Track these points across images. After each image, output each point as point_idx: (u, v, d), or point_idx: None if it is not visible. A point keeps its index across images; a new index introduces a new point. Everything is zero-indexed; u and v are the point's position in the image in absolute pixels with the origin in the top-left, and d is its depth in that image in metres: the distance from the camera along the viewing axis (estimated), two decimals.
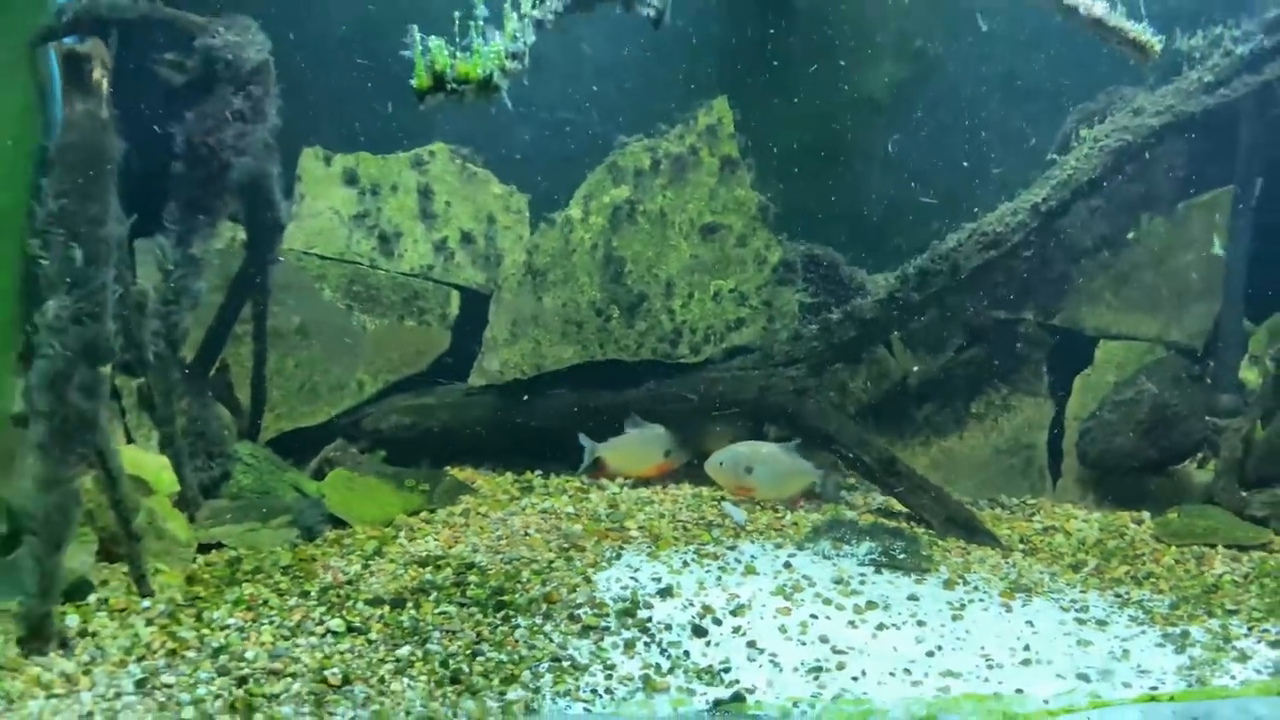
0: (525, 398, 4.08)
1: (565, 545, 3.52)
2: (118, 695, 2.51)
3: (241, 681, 2.58)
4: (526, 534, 3.59)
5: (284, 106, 3.46)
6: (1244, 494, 4.06)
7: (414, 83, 2.20)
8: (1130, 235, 4.07)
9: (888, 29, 3.99)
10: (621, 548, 3.56)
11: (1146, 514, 4.18)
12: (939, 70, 4.05)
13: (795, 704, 2.69)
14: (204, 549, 3.27)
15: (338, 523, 3.57)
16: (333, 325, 4.01)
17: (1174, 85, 3.93)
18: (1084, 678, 2.93)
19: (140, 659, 2.67)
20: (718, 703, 2.68)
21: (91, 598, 2.89)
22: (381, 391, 4.11)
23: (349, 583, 3.13)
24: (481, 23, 2.24)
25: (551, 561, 3.38)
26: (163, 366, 3.32)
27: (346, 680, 2.63)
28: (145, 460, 3.18)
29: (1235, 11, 3.94)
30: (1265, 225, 4.19)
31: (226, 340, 3.76)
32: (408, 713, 2.52)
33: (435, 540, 3.50)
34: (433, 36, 2.18)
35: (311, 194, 3.94)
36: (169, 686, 2.55)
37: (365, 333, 4.05)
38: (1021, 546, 3.81)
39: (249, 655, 2.70)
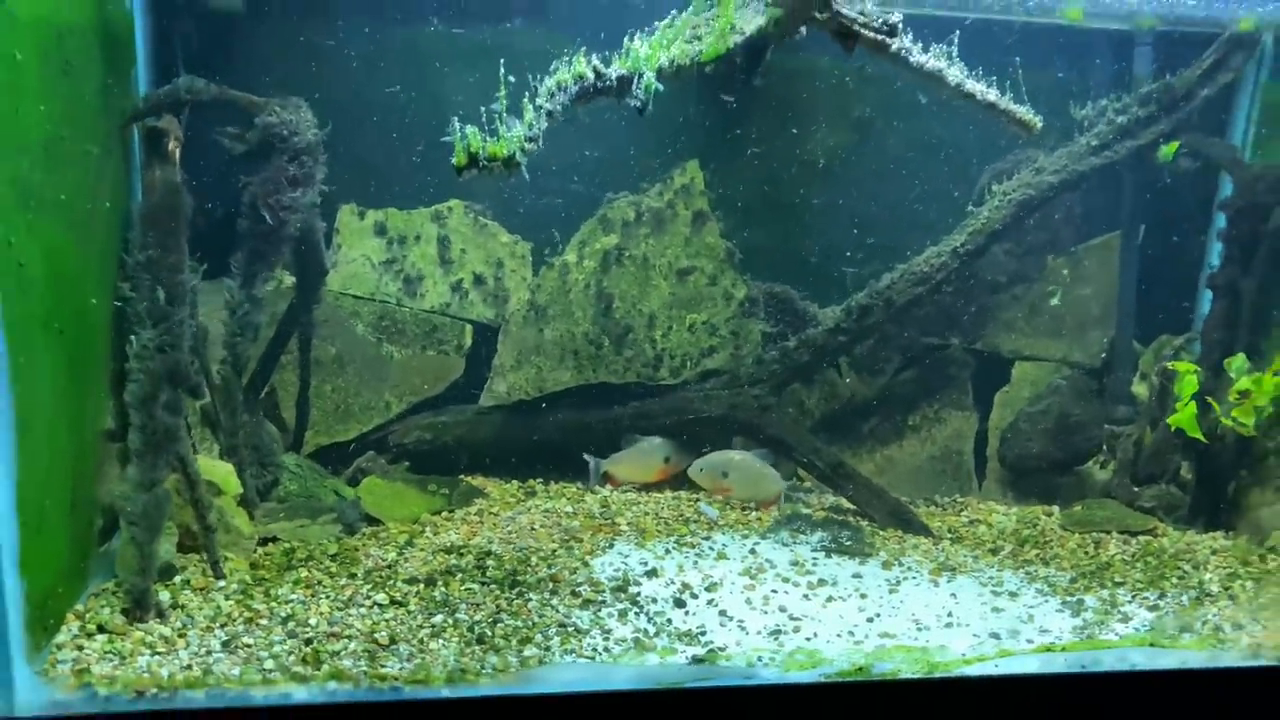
0: (543, 407, 4.32)
1: (566, 538, 3.84)
2: (209, 653, 2.82)
3: (308, 642, 2.91)
4: (533, 529, 3.91)
5: (327, 171, 3.70)
6: (1135, 489, 4.35)
7: (454, 161, 2.64)
8: (1054, 301, 4.40)
9: (832, 102, 4.26)
10: (613, 539, 3.88)
11: (1055, 507, 4.46)
12: (875, 136, 4.32)
13: (759, 657, 3.03)
14: (262, 542, 3.58)
15: (372, 520, 3.86)
16: (364, 355, 4.25)
17: (1068, 148, 4.25)
18: (995, 636, 3.28)
19: (223, 625, 2.97)
20: (696, 658, 3.02)
21: (176, 579, 3.22)
22: (405, 411, 4.31)
23: (388, 567, 3.46)
24: (504, 114, 2.70)
25: (555, 550, 3.72)
26: (228, 388, 3.64)
27: (393, 641, 2.96)
28: (215, 467, 3.49)
29: (1116, 87, 4.28)
30: (1148, 263, 4.49)
31: (275, 368, 4.00)
32: (444, 665, 2.86)
33: (456, 534, 3.81)
34: (469, 126, 2.63)
35: (347, 244, 4.19)
36: (249, 646, 2.87)
37: (392, 361, 4.29)
38: (950, 535, 4.13)
39: (312, 622, 3.03)
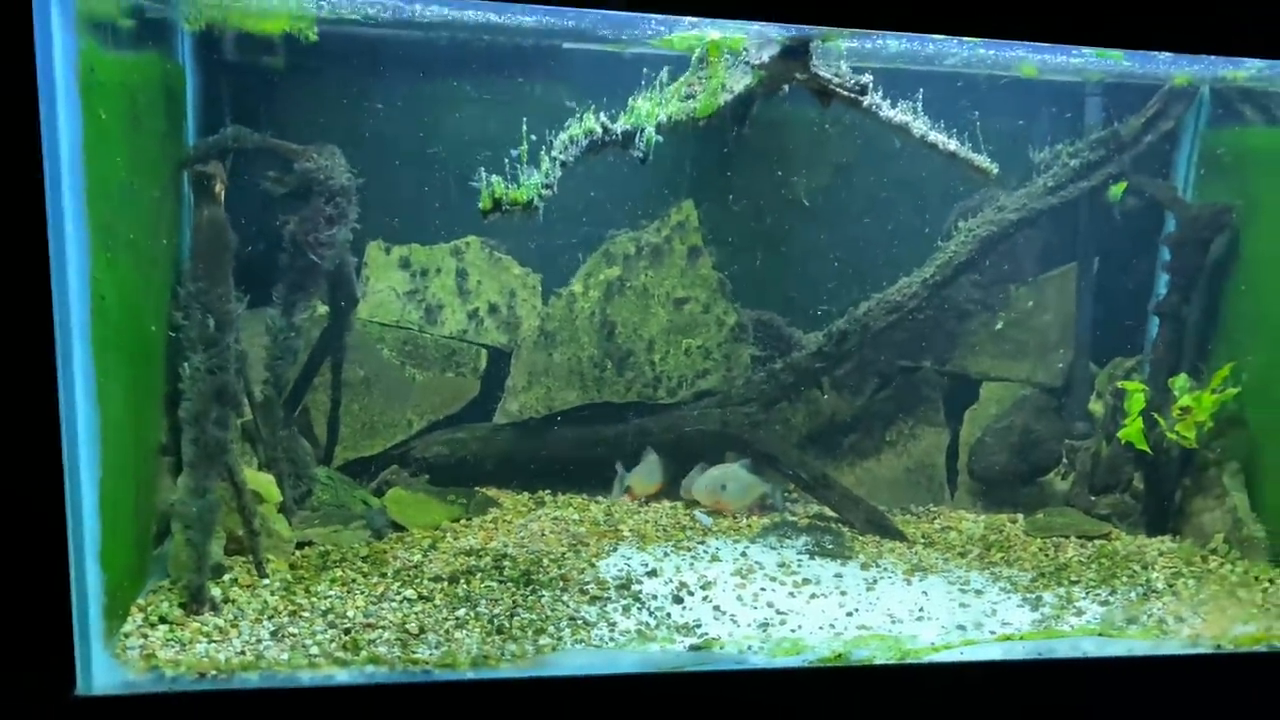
0: (551, 425, 4.53)
1: (574, 542, 4.08)
2: (259, 641, 3.08)
3: (346, 631, 3.16)
4: (544, 535, 4.14)
5: (358, 211, 3.93)
6: (1093, 498, 4.58)
7: (480, 205, 2.94)
8: (998, 327, 4.62)
9: (813, 148, 4.49)
10: (617, 544, 4.11)
11: (1020, 515, 4.68)
12: (853, 178, 4.55)
13: (749, 645, 3.28)
14: (299, 546, 3.81)
15: (398, 527, 4.10)
16: (389, 377, 4.47)
17: (1027, 189, 4.49)
18: (961, 627, 3.52)
19: (270, 617, 3.22)
20: (693, 646, 3.28)
21: (226, 577, 3.47)
22: (426, 428, 4.52)
23: (414, 567, 3.71)
24: (524, 164, 3.01)
25: (564, 553, 3.95)
26: (269, 406, 3.90)
27: (422, 630, 3.20)
28: (258, 477, 3.73)
29: (1070, 133, 4.54)
30: (1101, 292, 4.72)
31: (308, 388, 4.25)
32: (469, 652, 3.11)
33: (474, 539, 4.05)
34: (494, 175, 2.94)
35: (375, 276, 4.42)
36: (295, 634, 3.12)
37: (414, 382, 4.51)
38: (923, 541, 4.36)
39: (349, 614, 3.28)
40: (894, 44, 3.37)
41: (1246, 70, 3.88)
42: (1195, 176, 4.60)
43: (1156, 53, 3.47)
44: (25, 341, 2.51)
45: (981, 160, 3.58)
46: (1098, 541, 4.40)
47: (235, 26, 3.45)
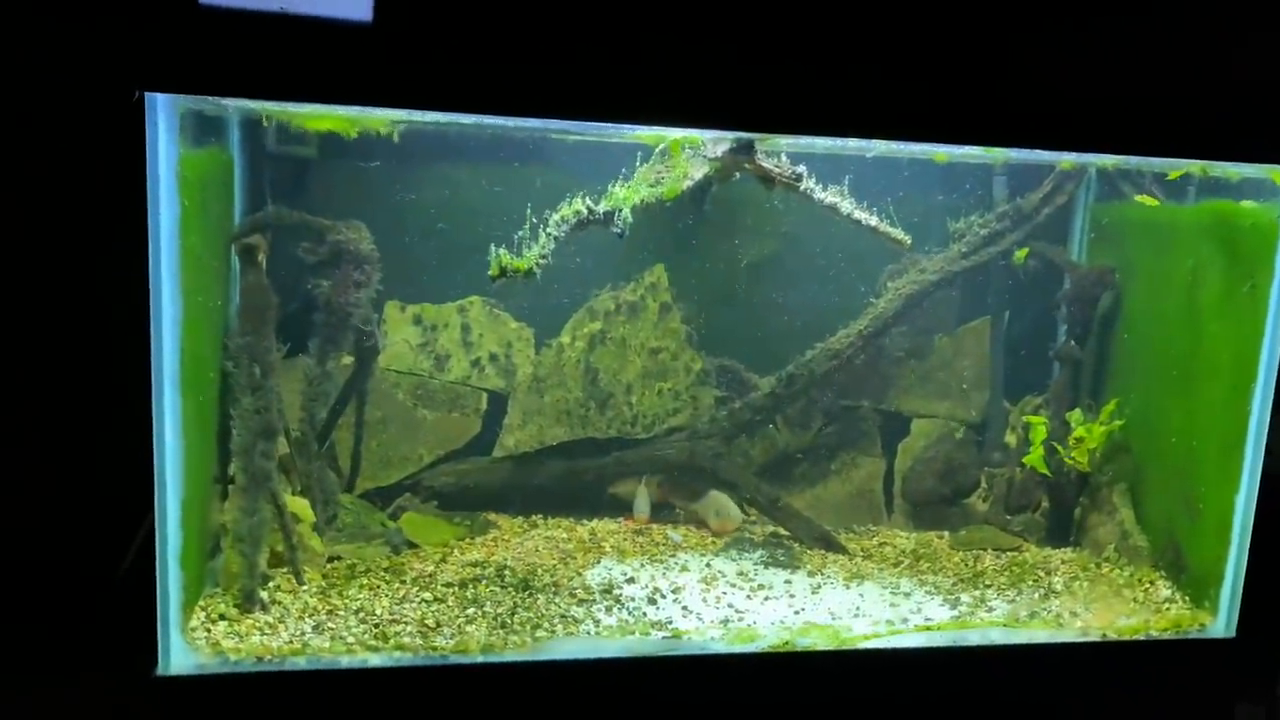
0: (543, 458, 4.90)
1: (563, 556, 4.54)
2: (303, 634, 3.50)
3: (376, 625, 3.61)
4: (537, 550, 4.58)
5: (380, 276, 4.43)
6: (1007, 517, 5.04)
7: (490, 272, 3.50)
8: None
9: (764, 220, 4.93)
10: (600, 558, 4.55)
11: (946, 532, 5.11)
12: (798, 246, 4.98)
13: (711, 635, 3.74)
14: (330, 559, 4.21)
15: (412, 544, 4.51)
16: (403, 417, 4.90)
17: (944, 254, 4.99)
18: (890, 622, 4.05)
19: (311, 615, 3.64)
20: (664, 637, 3.75)
21: (270, 585, 3.90)
22: (434, 461, 4.91)
23: (429, 575, 4.16)
24: (526, 238, 3.58)
25: (555, 565, 4.39)
26: (304, 441, 4.36)
27: (438, 625, 3.63)
28: (296, 501, 4.17)
29: (980, 207, 5.06)
30: (1011, 341, 5.22)
31: (334, 426, 4.66)
32: (478, 642, 3.58)
33: (478, 554, 4.48)
34: (501, 248, 3.51)
35: (392, 331, 4.85)
36: (333, 628, 3.55)
37: (425, 422, 4.96)
38: (862, 554, 4.81)
39: (377, 612, 3.71)
40: (821, 143, 3.98)
41: (1111, 158, 4.52)
42: (1086, 243, 5.14)
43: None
44: (131, 385, 3.03)
45: (897, 232, 4.18)
46: (1010, 553, 4.88)
47: (299, 126, 3.93)
